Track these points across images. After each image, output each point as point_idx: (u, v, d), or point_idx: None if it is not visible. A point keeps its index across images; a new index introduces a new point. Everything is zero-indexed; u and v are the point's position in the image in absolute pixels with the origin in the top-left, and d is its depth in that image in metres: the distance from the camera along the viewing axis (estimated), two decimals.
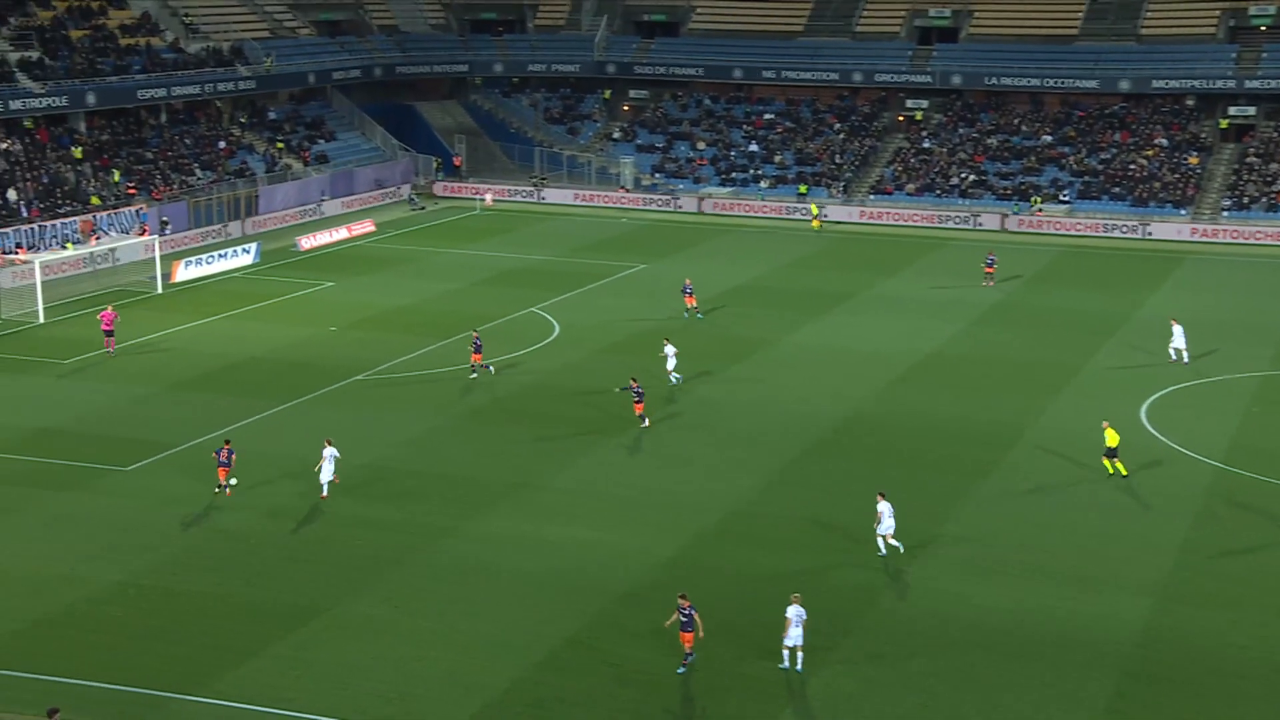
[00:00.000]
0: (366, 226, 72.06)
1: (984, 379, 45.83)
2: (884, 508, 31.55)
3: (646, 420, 40.11)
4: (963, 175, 78.77)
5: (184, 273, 60.03)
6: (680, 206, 79.01)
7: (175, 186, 69.77)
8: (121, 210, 61.99)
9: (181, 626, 28.21)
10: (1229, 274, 63.81)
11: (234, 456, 35.03)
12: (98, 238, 59.34)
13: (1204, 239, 70.98)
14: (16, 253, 55.81)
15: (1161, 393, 44.20)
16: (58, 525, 33.30)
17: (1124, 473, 36.42)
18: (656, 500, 35.14)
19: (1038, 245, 69.62)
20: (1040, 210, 74.59)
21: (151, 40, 76.51)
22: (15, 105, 65.59)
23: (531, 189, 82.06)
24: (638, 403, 39.98)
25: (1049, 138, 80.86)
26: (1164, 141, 78.62)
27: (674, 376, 44.12)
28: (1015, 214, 74.40)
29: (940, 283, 60.50)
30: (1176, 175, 75.84)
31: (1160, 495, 35.71)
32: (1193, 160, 76.83)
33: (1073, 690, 26.07)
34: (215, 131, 77.05)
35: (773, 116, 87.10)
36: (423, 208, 79.39)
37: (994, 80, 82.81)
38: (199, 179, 71.63)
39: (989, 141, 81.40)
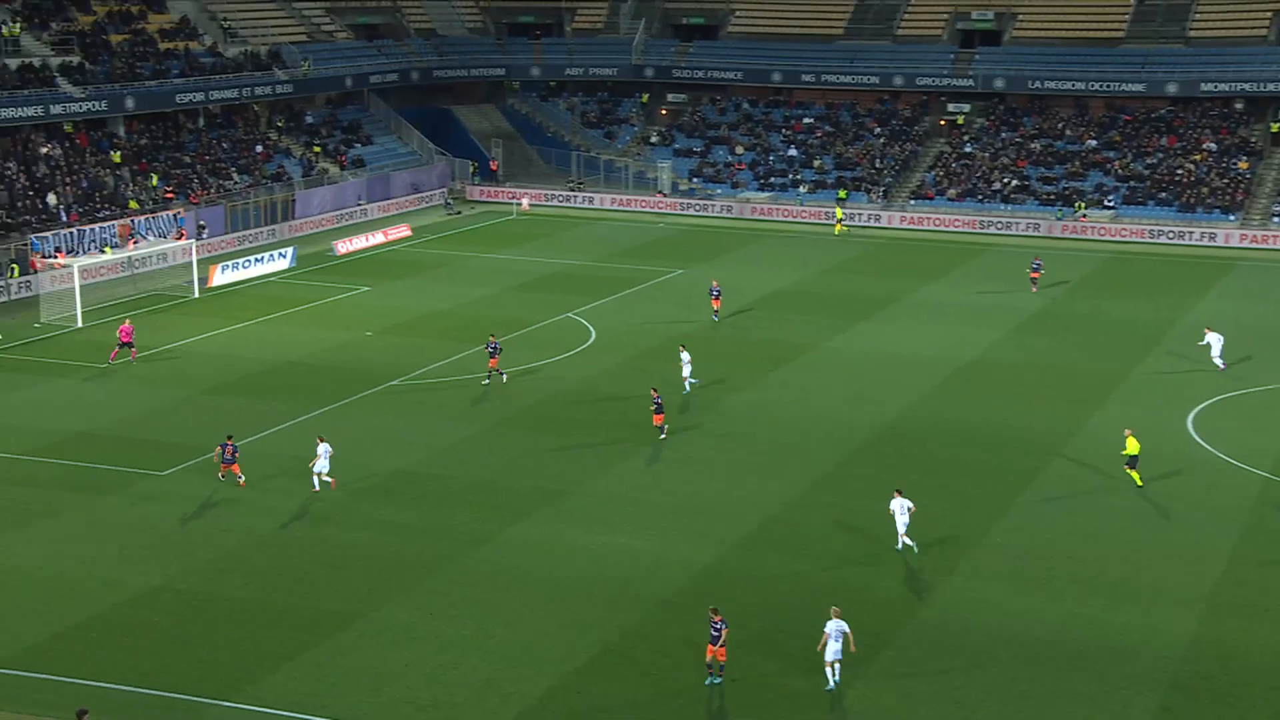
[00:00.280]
0: (403, 231, 72.46)
1: (1026, 386, 45.53)
2: (897, 504, 31.99)
3: (664, 433, 39.66)
4: (1005, 180, 78.32)
5: (220, 277, 60.56)
6: (720, 211, 79.01)
7: (212, 191, 70.43)
8: (159, 214, 62.61)
9: (217, 631, 28.44)
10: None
11: (237, 454, 35.94)
12: (135, 242, 59.96)
13: (1253, 245, 70.27)
14: (55, 257, 56.47)
15: (1208, 402, 43.76)
16: (94, 529, 33.65)
17: (1139, 483, 36.18)
18: (693, 507, 35.11)
19: (1082, 251, 69.10)
20: (1084, 216, 74.06)
21: (190, 44, 77.31)
22: (56, 110, 66.42)
23: (569, 192, 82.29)
24: (657, 413, 39.69)
25: (1093, 142, 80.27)
26: (1212, 146, 77.85)
27: (689, 382, 43.98)
28: (1059, 220, 73.91)
29: (981, 289, 60.18)
30: (1225, 180, 75.09)
31: (1207, 505, 35.35)
32: (1242, 165, 76.07)
33: (1117, 704, 25.83)
34: (252, 135, 77.74)
35: (812, 120, 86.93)
36: (459, 212, 79.75)
37: (1037, 84, 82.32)
38: (236, 183, 72.29)
39: (1032, 146, 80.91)
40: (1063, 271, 62.62)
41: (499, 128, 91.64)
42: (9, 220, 61.07)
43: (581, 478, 37.10)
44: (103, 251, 58.57)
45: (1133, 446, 36.35)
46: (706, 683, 26.29)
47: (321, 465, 35.83)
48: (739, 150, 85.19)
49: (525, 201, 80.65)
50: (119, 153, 69.35)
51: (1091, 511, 35.04)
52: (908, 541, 31.97)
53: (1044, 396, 44.32)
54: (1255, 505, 35.38)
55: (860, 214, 76.92)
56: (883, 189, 79.22)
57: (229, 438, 36.42)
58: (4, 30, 69.31)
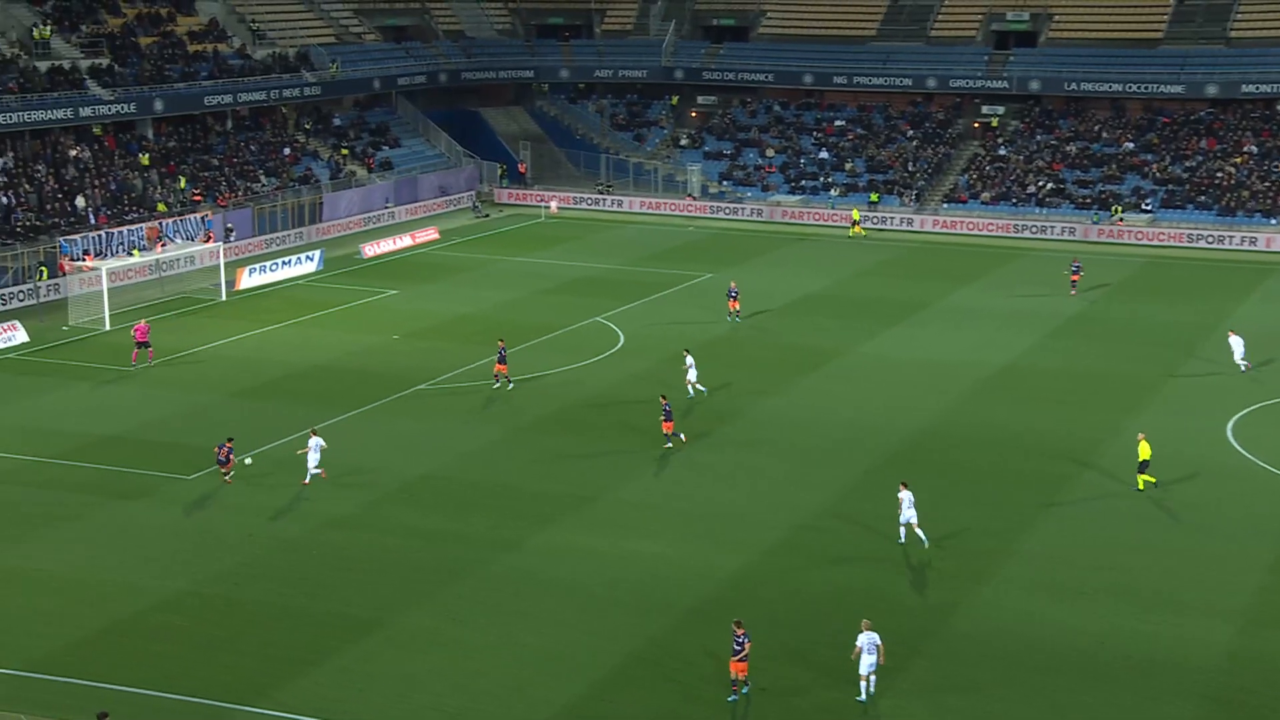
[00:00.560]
0: (430, 234, 72.69)
1: (1061, 392, 45.23)
2: (905, 496, 32.29)
3: (670, 441, 39.30)
4: (1040, 184, 77.88)
5: (248, 280, 60.91)
6: (750, 214, 78.93)
7: (240, 193, 70.87)
8: (187, 217, 62.99)
9: (242, 636, 28.56)
10: None
11: (233, 457, 36.42)
12: (163, 245, 60.36)
13: None
14: (84, 260, 56.92)
15: (1248, 409, 43.35)
16: (121, 533, 33.87)
17: (1150, 483, 36.16)
18: (721, 514, 35.03)
19: (1118, 256, 68.62)
20: (1121, 220, 73.55)
21: (218, 46, 77.83)
22: (85, 112, 67.00)
23: (598, 195, 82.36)
24: (666, 421, 39.38)
25: (1131, 145, 79.71)
26: (1253, 148, 77.14)
27: (694, 389, 43.88)
28: (1095, 223, 73.44)
29: (1015, 293, 59.86)
30: (1267, 183, 74.39)
31: (1247, 515, 34.99)
32: None
33: (1155, 717, 25.60)
34: (280, 138, 78.19)
35: (844, 123, 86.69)
36: (487, 215, 79.95)
37: (1073, 85, 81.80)
38: (264, 185, 72.71)
39: (1068, 149, 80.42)
40: (1099, 276, 62.19)
41: (527, 130, 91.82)
42: (38, 223, 61.63)
43: (609, 483, 37.08)
44: (131, 254, 58.96)
45: (1144, 451, 36.20)
46: (731, 699, 25.99)
47: (313, 458, 36.57)
48: (770, 153, 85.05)
49: (554, 204, 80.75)
50: (147, 155, 69.87)
51: (1127, 520, 34.75)
52: (919, 534, 32.35)
53: (1079, 403, 44.01)
54: None
55: (892, 217, 76.66)
56: (915, 192, 78.92)
57: (229, 440, 36.81)
58: (34, 33, 69.97)
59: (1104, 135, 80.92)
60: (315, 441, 36.79)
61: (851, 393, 45.25)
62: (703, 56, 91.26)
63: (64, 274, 57.38)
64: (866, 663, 25.83)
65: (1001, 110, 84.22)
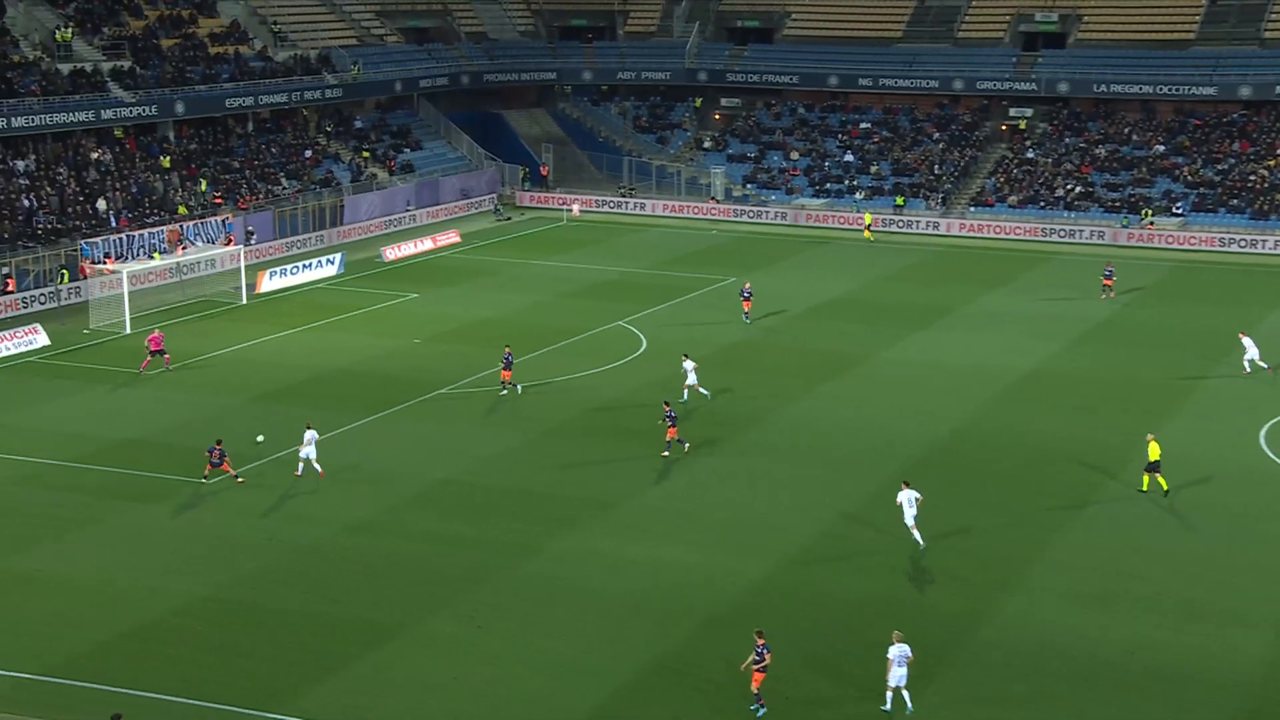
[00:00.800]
0: (452, 237, 72.87)
1: (1089, 398, 45.00)
2: (905, 496, 32.62)
3: (668, 449, 39.08)
4: (1069, 187, 77.54)
5: (268, 283, 61.17)
6: (774, 218, 78.83)
7: (261, 196, 71.19)
8: (208, 220, 63.36)
9: (261, 642, 28.65)
10: None
11: (226, 458, 36.76)
12: (184, 248, 60.71)
13: None
14: (105, 263, 57.29)
15: None
16: (140, 537, 34.04)
17: (1161, 487, 35.97)
18: (744, 520, 34.97)
19: (1148, 260, 68.24)
20: (1151, 224, 73.15)
21: (240, 48, 78.22)
22: (107, 114, 67.46)
23: (620, 198, 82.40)
24: (671, 427, 39.16)
25: (1161, 147, 79.29)
26: None
27: (690, 391, 43.85)
28: (1125, 227, 73.06)
29: (1043, 298, 59.60)
30: None
31: None
32: None
33: None
34: (301, 140, 78.52)
35: (869, 125, 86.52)
36: (508, 218, 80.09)
37: (1103, 87, 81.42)
38: (284, 189, 73.03)
39: (1097, 151, 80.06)
40: (1130, 280, 61.84)
41: (549, 132, 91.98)
42: (59, 225, 62.04)
43: (630, 489, 37.06)
44: (151, 257, 59.32)
45: (1154, 451, 36.13)
46: (760, 714, 25.71)
47: (308, 452, 37.06)
48: (794, 156, 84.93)
49: (576, 208, 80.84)
50: (168, 158, 70.27)
51: (1156, 528, 34.54)
52: (915, 535, 32.54)
53: (1106, 409, 43.77)
54: None
55: (918, 221, 76.46)
56: (942, 196, 78.68)
57: (219, 441, 37.00)
58: (56, 35, 70.48)
59: (1134, 138, 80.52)
60: (310, 435, 37.40)
61: (876, 398, 45.11)
62: (726, 58, 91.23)
63: (85, 277, 57.73)
64: (896, 675, 25.60)
65: (1029, 112, 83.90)
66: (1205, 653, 28.14)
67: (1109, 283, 59.16)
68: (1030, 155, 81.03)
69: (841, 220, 77.14)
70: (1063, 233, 73.62)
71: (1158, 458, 36.11)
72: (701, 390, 44.08)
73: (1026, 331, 53.66)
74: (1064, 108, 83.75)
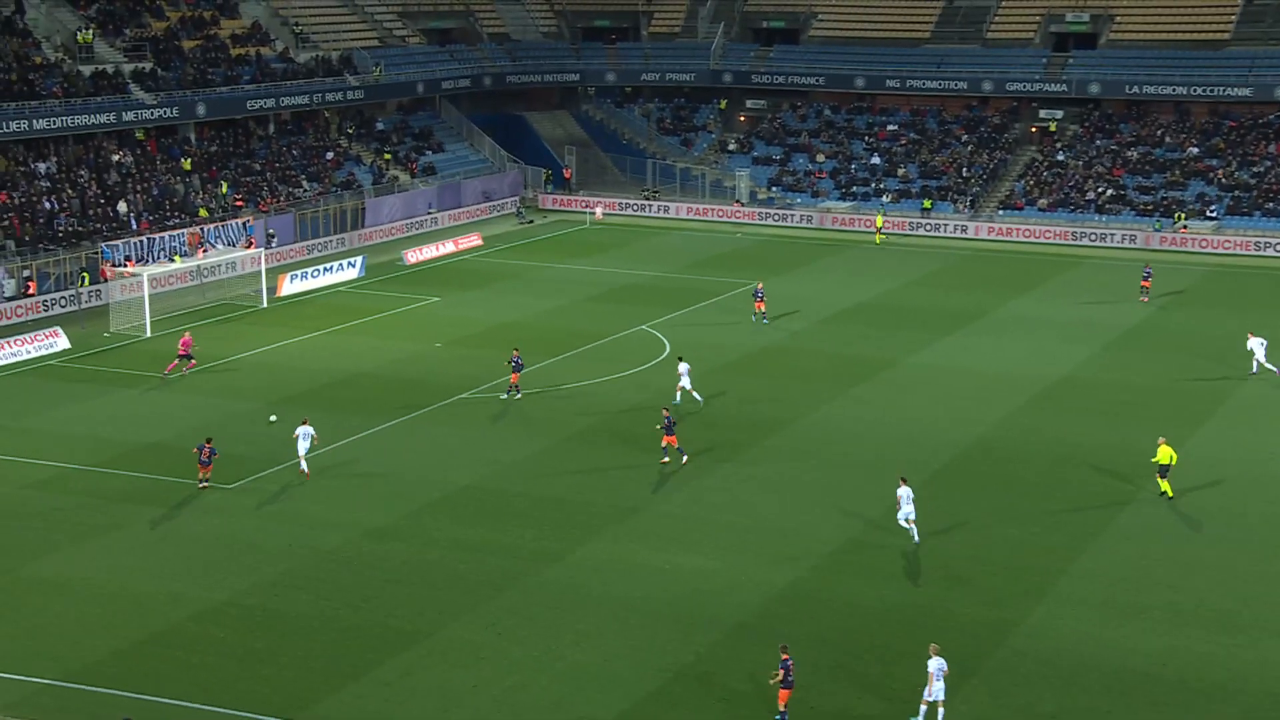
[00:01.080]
0: (474, 240, 73.06)
1: (1120, 405, 44.77)
2: (903, 493, 33.06)
3: (667, 457, 38.94)
4: (1100, 190, 77.20)
5: (289, 287, 61.44)
6: (800, 221, 78.73)
7: (282, 199, 71.53)
8: (229, 222, 63.71)
9: (282, 648, 28.76)
10: None
11: (215, 456, 36.84)
12: (205, 251, 61.06)
13: None
14: (125, 265, 57.66)
15: None
16: (161, 543, 34.22)
17: (1169, 494, 36.06)
18: (768, 528, 34.92)
19: (1181, 265, 67.87)
20: (1185, 227, 72.75)
21: (261, 50, 78.64)
22: (128, 116, 67.92)
23: (644, 201, 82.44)
24: (668, 434, 39.00)
25: (1195, 150, 78.86)
26: None
27: (683, 395, 43.81)
28: (1157, 231, 72.68)
29: (1074, 303, 59.35)
30: None
31: None
32: None
33: None
34: (323, 143, 78.87)
35: (896, 127, 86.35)
36: (531, 221, 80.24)
37: (1135, 88, 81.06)
38: (305, 191, 73.35)
39: (1129, 154, 79.69)
40: (1166, 284, 61.47)
41: (573, 134, 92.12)
42: (80, 228, 62.49)
43: (653, 495, 37.07)
44: (172, 260, 59.68)
45: (1164, 455, 35.98)
46: None
47: (301, 447, 37.40)
48: (820, 158, 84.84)
49: (599, 210, 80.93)
50: (189, 160, 70.69)
51: (1189, 538, 34.33)
52: (911, 530, 33.12)
53: (1140, 416, 43.53)
54: None
55: (946, 225, 76.27)
56: (970, 199, 78.44)
57: (208, 440, 37.13)
58: (78, 37, 71.02)
59: (1167, 140, 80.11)
60: (305, 430, 37.70)
61: (903, 404, 45.00)
62: (752, 59, 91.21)
63: (105, 280, 58.13)
64: (935, 689, 25.33)
65: (1060, 114, 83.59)
66: (1241, 665, 27.94)
67: (1146, 284, 58.93)
68: (1060, 158, 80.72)
69: (868, 224, 76.99)
70: (1093, 237, 73.30)
71: (1168, 461, 36.11)
72: (695, 395, 44.00)
73: (1057, 337, 53.45)
74: (1095, 109, 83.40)
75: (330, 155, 77.74)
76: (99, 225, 63.08)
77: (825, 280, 64.21)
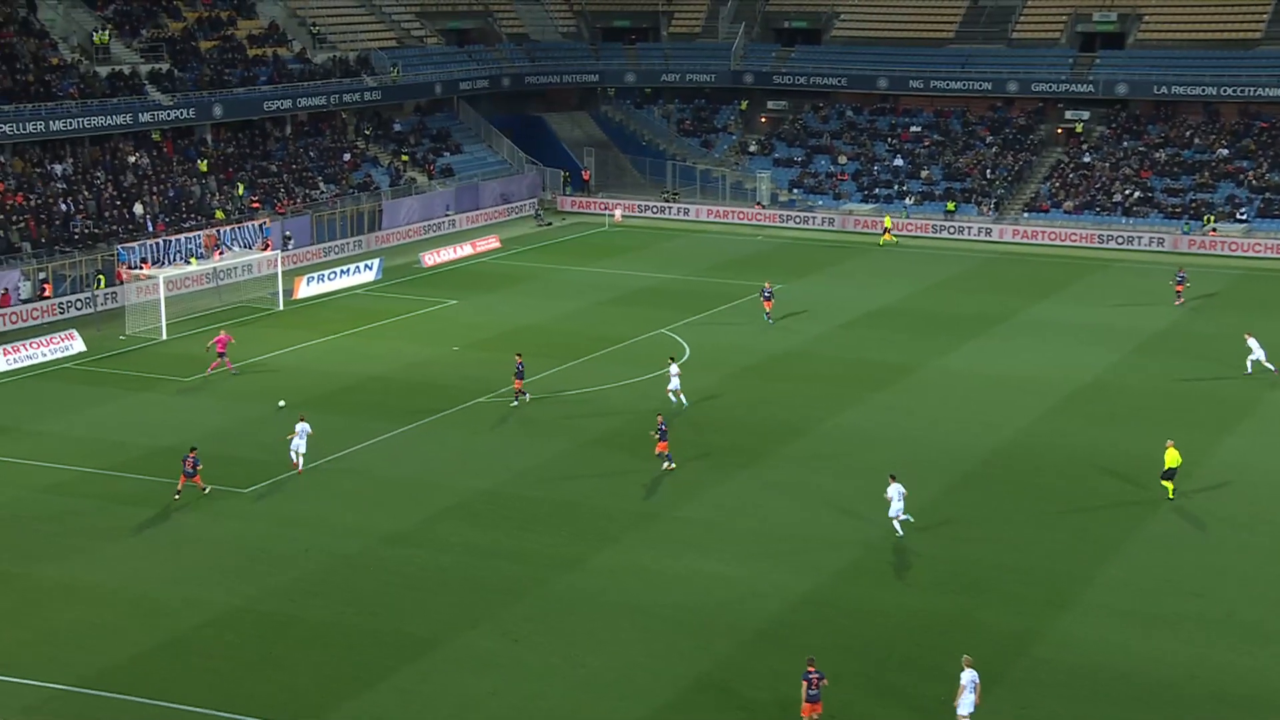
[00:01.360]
0: (491, 243, 73.17)
1: (1149, 411, 44.56)
2: (894, 490, 33.59)
3: (667, 464, 38.77)
4: (1127, 192, 76.87)
5: (306, 289, 61.62)
6: (821, 223, 78.62)
7: (299, 200, 71.76)
8: (245, 224, 63.93)
9: (298, 654, 28.82)
10: None
11: (199, 466, 36.68)
12: (221, 253, 61.30)
13: None
14: (141, 268, 57.92)
15: None
16: (176, 547, 34.33)
17: (1170, 496, 36.18)
18: (789, 534, 34.86)
19: (1211, 268, 67.50)
20: (1214, 230, 72.38)
21: (278, 50, 78.95)
22: (145, 118, 68.25)
23: (664, 203, 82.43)
24: (661, 440, 38.89)
25: (1225, 151, 78.47)
26: None
27: (678, 398, 43.74)
28: (1185, 234, 72.33)
29: (1100, 307, 59.09)
30: None
31: None
32: None
33: None
34: (340, 144, 79.12)
35: (920, 129, 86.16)
36: (549, 223, 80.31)
37: (1164, 89, 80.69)
38: (323, 192, 73.58)
39: (1157, 155, 79.33)
40: (1199, 287, 61.08)
41: (592, 136, 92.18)
42: (96, 230, 62.80)
43: (672, 501, 37.03)
44: (188, 262, 59.92)
45: (1172, 459, 35.84)
46: None
47: (297, 444, 37.87)
48: (842, 160, 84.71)
49: (618, 213, 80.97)
50: (206, 161, 70.99)
51: (1217, 546, 34.12)
52: (903, 518, 33.96)
53: (1167, 421, 43.23)
54: None
55: (970, 227, 76.06)
56: (994, 201, 78.20)
57: (193, 449, 37.10)
58: (95, 38, 71.42)
59: (1196, 141, 79.73)
60: (302, 427, 38.07)
61: (926, 409, 44.86)
62: (773, 60, 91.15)
63: (121, 282, 58.41)
64: (967, 702, 25.07)
65: (1086, 115, 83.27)
66: (1270, 676, 27.74)
67: (1180, 288, 58.68)
68: (1087, 159, 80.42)
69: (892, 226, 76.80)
70: (1120, 239, 72.99)
71: (1175, 465, 36.02)
72: (681, 398, 43.92)
73: (1084, 341, 53.24)
74: (1122, 110, 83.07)
75: (347, 157, 77.98)
76: (115, 227, 63.39)
77: (847, 283, 64.09)
